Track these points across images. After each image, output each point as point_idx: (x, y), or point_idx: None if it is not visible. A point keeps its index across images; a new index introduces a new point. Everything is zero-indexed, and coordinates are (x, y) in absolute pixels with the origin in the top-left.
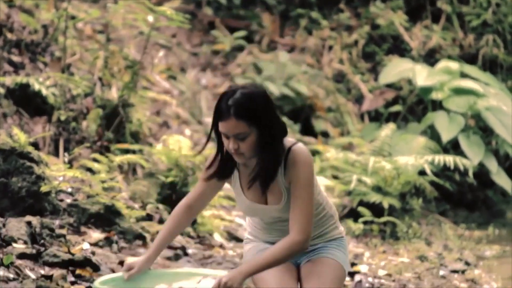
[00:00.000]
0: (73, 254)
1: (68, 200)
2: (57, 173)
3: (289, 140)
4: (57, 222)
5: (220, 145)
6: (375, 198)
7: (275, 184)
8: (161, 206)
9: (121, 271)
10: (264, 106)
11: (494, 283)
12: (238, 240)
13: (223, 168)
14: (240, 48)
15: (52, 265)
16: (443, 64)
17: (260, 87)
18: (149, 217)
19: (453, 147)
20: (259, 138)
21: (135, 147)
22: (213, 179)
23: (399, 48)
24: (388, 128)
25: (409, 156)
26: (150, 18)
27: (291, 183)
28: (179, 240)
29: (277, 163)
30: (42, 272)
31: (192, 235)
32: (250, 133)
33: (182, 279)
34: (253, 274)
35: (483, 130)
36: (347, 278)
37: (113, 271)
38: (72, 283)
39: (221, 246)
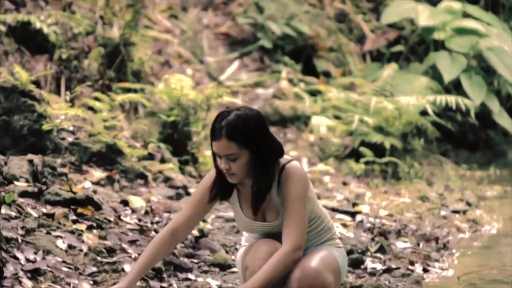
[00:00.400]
0: (75, 193)
1: (70, 139)
2: (59, 111)
3: (284, 158)
4: (58, 160)
5: (216, 164)
6: (376, 138)
7: (271, 202)
8: (162, 145)
9: None
10: (257, 129)
11: (495, 223)
12: None
13: (225, 187)
14: None
15: (54, 203)
16: (445, 3)
17: (255, 111)
18: (150, 156)
19: (455, 87)
20: (250, 160)
21: (137, 86)
22: (216, 199)
23: None
24: (390, 68)
25: (411, 96)
26: None
27: (283, 198)
28: (180, 180)
29: (269, 185)
30: (44, 210)
31: (193, 175)
32: (241, 155)
33: None
34: None
35: (485, 70)
36: (348, 218)
37: (114, 210)
38: (74, 221)
39: None
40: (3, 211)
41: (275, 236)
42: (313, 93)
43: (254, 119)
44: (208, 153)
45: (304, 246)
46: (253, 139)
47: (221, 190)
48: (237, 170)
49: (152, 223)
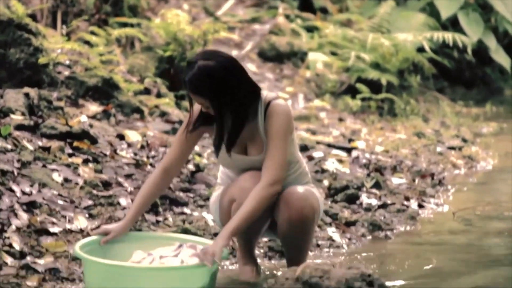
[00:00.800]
0: (71, 127)
1: (66, 73)
2: (55, 45)
3: (271, 95)
4: (55, 94)
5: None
6: (373, 74)
7: (256, 136)
8: (158, 80)
9: (94, 234)
10: (221, 79)
11: (490, 159)
12: None
13: (207, 115)
14: None
15: (50, 137)
16: None
17: (221, 58)
18: (146, 91)
19: (452, 24)
20: (222, 104)
21: (133, 20)
22: (198, 127)
23: None
24: (387, 5)
25: (408, 33)
26: None
27: (267, 133)
28: (176, 114)
29: (243, 125)
30: (40, 143)
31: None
32: (209, 104)
33: (160, 244)
34: (234, 235)
35: (482, 7)
36: (344, 154)
37: (110, 144)
38: (70, 155)
39: None
40: None
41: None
42: (310, 29)
43: (218, 69)
44: None
45: (283, 182)
46: (217, 89)
47: (205, 116)
48: (213, 112)
49: (148, 157)
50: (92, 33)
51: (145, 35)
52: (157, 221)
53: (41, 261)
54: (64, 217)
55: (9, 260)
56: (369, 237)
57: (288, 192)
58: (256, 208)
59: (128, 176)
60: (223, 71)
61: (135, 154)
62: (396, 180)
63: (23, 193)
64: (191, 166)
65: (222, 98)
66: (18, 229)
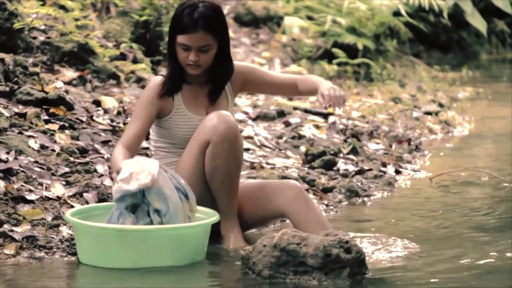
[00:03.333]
0: (46, 93)
1: (42, 38)
2: (30, 10)
3: None
4: (30, 60)
5: (173, 58)
6: (349, 39)
7: (222, 95)
8: (135, 45)
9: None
10: (225, 19)
11: (467, 124)
12: None
13: (175, 82)
14: None
15: (25, 103)
16: None
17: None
18: (122, 56)
19: None
20: (219, 49)
21: None
22: (165, 96)
23: None
24: None
25: None
26: None
27: (254, 75)
28: None
29: (231, 72)
30: (16, 110)
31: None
32: (213, 45)
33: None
34: None
35: None
36: (321, 119)
37: (87, 110)
38: (46, 121)
39: None
40: None
41: None
42: None
43: (221, 8)
44: None
45: None
46: (224, 28)
47: (173, 84)
48: (205, 61)
49: (124, 123)
50: None
51: None
52: None
53: (18, 229)
54: (41, 184)
55: None
56: (346, 203)
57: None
58: None
59: (105, 143)
60: (222, 10)
61: (112, 120)
62: (373, 146)
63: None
64: None
65: (225, 36)
66: None
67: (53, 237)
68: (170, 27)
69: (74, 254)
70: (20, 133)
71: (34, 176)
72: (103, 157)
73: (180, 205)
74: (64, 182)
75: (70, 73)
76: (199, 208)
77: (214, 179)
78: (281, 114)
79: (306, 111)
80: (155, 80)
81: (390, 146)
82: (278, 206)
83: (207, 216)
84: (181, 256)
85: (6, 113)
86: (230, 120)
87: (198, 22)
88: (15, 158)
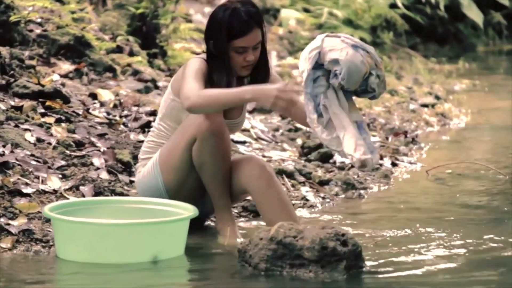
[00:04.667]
0: (43, 86)
1: (38, 31)
2: (26, 2)
3: None
4: (26, 53)
5: (224, 66)
6: (346, 31)
7: None
8: (131, 38)
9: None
10: None
11: (463, 116)
12: None
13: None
14: None
15: (22, 96)
16: None
17: None
18: (119, 49)
19: None
20: (262, 41)
21: None
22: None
23: None
24: None
25: None
26: None
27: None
28: (149, 73)
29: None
30: (12, 103)
31: (162, 68)
32: (261, 39)
33: (131, 210)
34: None
35: None
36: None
37: (83, 103)
38: (42, 114)
39: None
40: None
41: None
42: None
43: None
44: (177, 46)
45: None
46: (263, 20)
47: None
48: (257, 58)
49: (121, 116)
50: None
51: None
52: (131, 181)
53: (14, 223)
54: (37, 177)
55: None
56: (343, 196)
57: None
58: None
59: (101, 136)
60: None
61: (108, 113)
62: None
63: None
64: None
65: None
66: None
67: (49, 231)
68: (217, 37)
69: None
70: (16, 126)
71: (30, 170)
72: (99, 150)
73: (358, 63)
74: (60, 175)
75: (66, 66)
76: (179, 203)
77: (204, 174)
78: None
79: None
80: (200, 60)
81: (387, 138)
82: (240, 182)
83: (186, 212)
84: (159, 251)
85: (2, 106)
86: (215, 117)
87: (250, 22)
88: (11, 151)
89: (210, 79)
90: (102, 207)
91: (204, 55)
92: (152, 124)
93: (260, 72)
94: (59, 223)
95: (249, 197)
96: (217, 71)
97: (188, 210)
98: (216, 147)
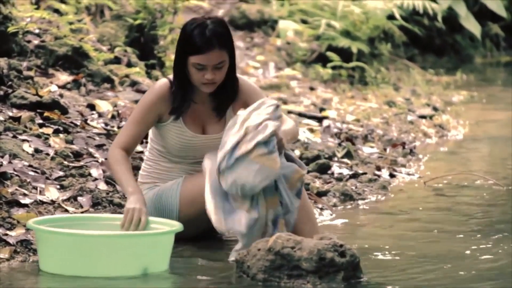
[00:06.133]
0: (41, 96)
1: (36, 42)
2: (24, 13)
3: None
4: (24, 63)
5: (183, 79)
6: (343, 42)
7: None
8: (129, 49)
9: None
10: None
11: (461, 128)
12: None
13: (185, 103)
14: None
15: (20, 107)
16: None
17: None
18: (117, 60)
19: None
20: (230, 63)
21: None
22: (175, 114)
23: None
24: None
25: (378, 0)
26: None
27: (254, 97)
28: (147, 84)
29: (237, 89)
30: (10, 114)
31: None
32: (227, 60)
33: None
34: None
35: None
36: (315, 123)
37: (81, 114)
38: (40, 125)
39: None
40: None
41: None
42: None
43: (226, 23)
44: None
45: None
46: (232, 42)
47: (180, 106)
48: (220, 78)
49: (119, 127)
50: (62, 1)
51: (114, 3)
52: None
53: (12, 233)
54: (35, 188)
55: None
56: (341, 207)
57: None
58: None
59: (99, 147)
60: None
61: (106, 124)
62: (367, 150)
63: None
64: None
65: (233, 50)
66: None
67: None
68: (179, 48)
69: None
70: (14, 137)
71: (28, 180)
72: (97, 161)
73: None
74: (58, 186)
75: (64, 77)
76: (163, 220)
77: None
78: None
79: (301, 114)
80: (160, 85)
81: (385, 149)
82: None
83: (170, 227)
84: (142, 265)
85: (0, 117)
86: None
87: (212, 40)
88: (9, 162)
89: (170, 95)
90: (87, 223)
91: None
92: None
93: (225, 91)
94: (47, 236)
95: None
96: (176, 85)
97: (173, 226)
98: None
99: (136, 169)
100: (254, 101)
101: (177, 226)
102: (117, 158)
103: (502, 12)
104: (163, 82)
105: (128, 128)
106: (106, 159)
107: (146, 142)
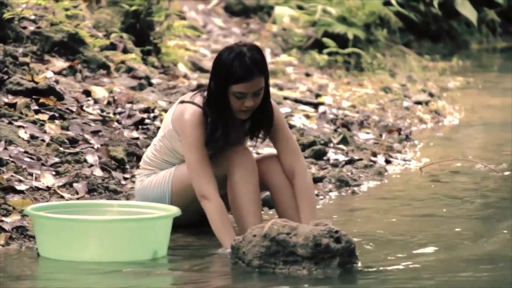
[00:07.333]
0: (36, 83)
1: (32, 28)
2: (20, 0)
3: None
4: (20, 50)
5: (220, 109)
6: (339, 28)
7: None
8: (125, 35)
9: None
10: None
11: (457, 114)
12: (203, 70)
13: (224, 131)
14: None
15: (15, 93)
16: None
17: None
18: (113, 46)
19: None
20: (266, 87)
21: None
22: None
23: None
24: None
25: None
26: None
27: (275, 131)
28: (143, 70)
29: (273, 115)
30: (6, 100)
31: (156, 65)
32: (263, 87)
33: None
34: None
35: None
36: (311, 109)
37: (77, 100)
38: (36, 111)
39: (185, 76)
40: None
41: None
42: None
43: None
44: (171, 43)
45: None
46: (267, 68)
47: (221, 134)
48: (257, 104)
49: (114, 113)
50: None
51: None
52: (125, 178)
53: (8, 219)
54: (31, 174)
55: None
56: (336, 193)
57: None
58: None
59: (95, 133)
60: None
61: (102, 110)
62: (363, 136)
63: None
64: (158, 123)
65: (268, 76)
66: None
67: None
68: (218, 78)
69: None
70: (10, 123)
71: (24, 166)
72: (93, 147)
73: None
74: (54, 172)
75: (60, 63)
76: (161, 205)
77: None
78: None
79: (297, 101)
80: (196, 115)
81: (380, 135)
82: (264, 180)
83: (168, 212)
84: (142, 250)
85: None
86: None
87: (253, 69)
88: (5, 148)
89: (206, 124)
90: (84, 210)
91: (196, 98)
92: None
93: (263, 117)
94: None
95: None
96: (215, 115)
97: (171, 210)
98: (249, 182)
99: (131, 155)
100: (278, 133)
101: (175, 209)
102: (219, 208)
103: None
104: (196, 112)
105: (201, 166)
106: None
107: (143, 129)
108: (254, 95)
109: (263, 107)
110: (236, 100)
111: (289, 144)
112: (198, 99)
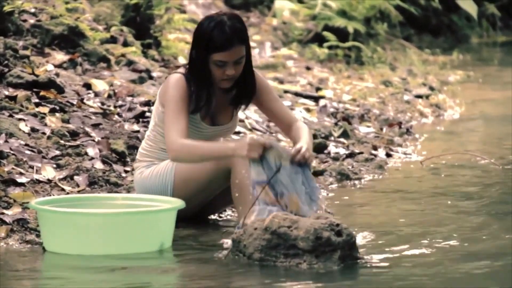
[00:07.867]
0: (37, 76)
1: (32, 21)
2: None
3: None
4: (20, 43)
5: (202, 78)
6: (340, 22)
7: (227, 105)
8: (125, 28)
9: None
10: None
11: (457, 108)
12: None
13: (207, 100)
14: None
15: (16, 86)
16: None
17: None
18: (113, 39)
19: None
20: (247, 57)
21: None
22: (194, 113)
23: None
24: None
25: None
26: None
27: (264, 94)
28: (143, 63)
29: (255, 83)
30: (6, 93)
31: (156, 58)
32: (244, 55)
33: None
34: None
35: None
36: (312, 102)
37: (77, 93)
38: (37, 104)
39: None
40: None
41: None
42: None
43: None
44: (171, 36)
45: None
46: (248, 37)
47: (205, 105)
48: (238, 72)
49: (115, 106)
50: None
51: None
52: (125, 171)
53: (9, 212)
54: (32, 167)
55: None
56: (337, 187)
57: None
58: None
59: (95, 126)
60: None
61: (102, 103)
62: (363, 129)
63: None
64: None
65: (249, 44)
66: None
67: None
68: (198, 47)
69: None
70: (10, 116)
71: (24, 159)
72: (93, 140)
73: None
74: (54, 165)
75: (60, 56)
76: (164, 197)
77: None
78: None
79: (297, 94)
80: (178, 80)
81: (381, 129)
82: None
83: (172, 204)
84: (150, 242)
85: None
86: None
87: (233, 37)
88: (6, 141)
89: (191, 93)
90: (88, 204)
91: (183, 69)
92: (148, 128)
93: (246, 86)
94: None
95: None
96: (197, 83)
97: (175, 203)
98: None
99: (132, 148)
100: (265, 97)
101: (179, 201)
102: (189, 142)
103: None
104: (180, 77)
105: (175, 119)
106: (175, 154)
107: (143, 122)
108: (235, 64)
109: (246, 76)
110: (217, 68)
111: (282, 109)
112: (181, 70)
